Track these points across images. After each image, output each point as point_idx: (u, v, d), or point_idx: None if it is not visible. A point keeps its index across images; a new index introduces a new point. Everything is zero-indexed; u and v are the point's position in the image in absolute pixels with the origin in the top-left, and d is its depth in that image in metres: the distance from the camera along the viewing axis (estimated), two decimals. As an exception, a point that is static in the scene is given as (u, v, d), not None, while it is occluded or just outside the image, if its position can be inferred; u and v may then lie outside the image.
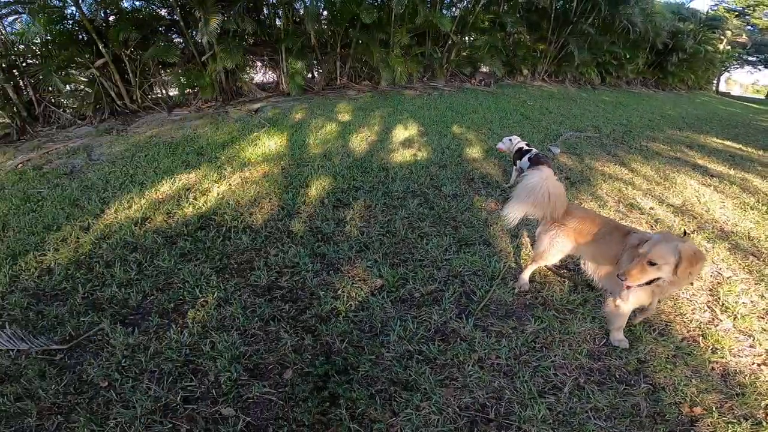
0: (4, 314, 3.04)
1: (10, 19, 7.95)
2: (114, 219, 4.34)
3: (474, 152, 6.55)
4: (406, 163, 5.92)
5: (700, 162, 7.15)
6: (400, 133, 7.41)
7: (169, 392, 2.39)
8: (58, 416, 2.26)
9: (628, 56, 15.94)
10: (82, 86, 8.65)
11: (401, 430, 2.17)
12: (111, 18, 8.48)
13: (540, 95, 12.42)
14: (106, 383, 2.45)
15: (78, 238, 4.00)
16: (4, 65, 7.71)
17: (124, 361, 2.59)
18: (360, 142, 6.90)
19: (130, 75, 8.74)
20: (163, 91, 9.99)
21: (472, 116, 8.99)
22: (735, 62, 29.65)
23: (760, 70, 34.00)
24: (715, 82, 26.38)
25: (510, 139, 5.13)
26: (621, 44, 15.23)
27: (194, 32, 8.37)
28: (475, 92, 11.91)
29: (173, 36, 9.63)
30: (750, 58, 31.81)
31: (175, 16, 8.93)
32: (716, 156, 7.67)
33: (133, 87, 8.90)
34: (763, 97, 32.99)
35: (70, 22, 8.17)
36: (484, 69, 14.55)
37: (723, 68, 26.09)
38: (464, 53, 13.62)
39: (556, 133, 8.14)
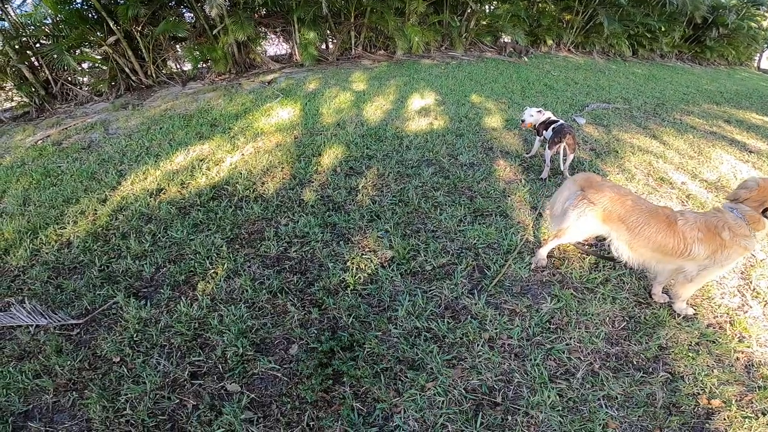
0: (25, 288, 3.11)
1: (19, 1, 7.98)
2: (130, 191, 4.37)
3: (493, 122, 6.29)
4: (421, 132, 5.73)
5: (738, 137, 6.64)
6: (416, 102, 7.18)
7: (177, 367, 2.41)
8: (73, 392, 2.31)
9: (663, 29, 14.94)
10: (96, 64, 8.74)
11: (405, 411, 2.12)
12: None
13: (565, 66, 11.82)
14: (119, 358, 2.49)
15: (96, 210, 4.05)
16: (17, 46, 7.78)
17: (136, 335, 2.63)
18: (374, 110, 6.72)
19: (143, 51, 8.74)
20: (177, 66, 10.00)
21: (492, 86, 8.64)
22: None
23: None
24: (757, 58, 24.78)
25: (539, 111, 4.82)
26: (656, 16, 14.27)
27: (204, 5, 8.18)
28: (496, 62, 11.42)
29: (183, 10, 9.55)
30: None
31: None
32: (756, 132, 7.12)
33: (146, 62, 8.92)
34: None
35: (79, 1, 8.17)
36: (505, 39, 13.90)
37: (766, 45, 24.45)
38: (484, 22, 13.01)
39: (581, 104, 7.74)
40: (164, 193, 4.27)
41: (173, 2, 9.24)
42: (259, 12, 10.10)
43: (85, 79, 8.95)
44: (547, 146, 4.38)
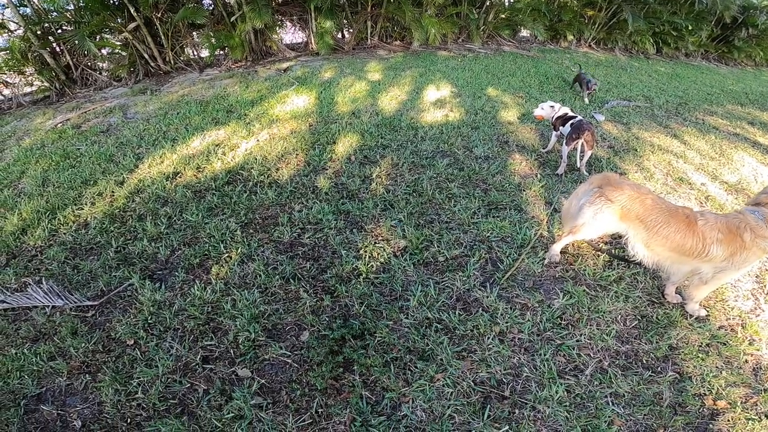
0: (42, 269, 3.17)
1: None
2: (147, 174, 4.41)
3: (509, 115, 6.21)
4: (436, 123, 5.69)
5: (762, 140, 6.44)
6: (432, 94, 7.11)
7: (189, 351, 2.45)
8: (87, 375, 2.35)
9: (690, 28, 14.56)
10: (116, 49, 8.84)
11: (413, 401, 2.13)
12: None
13: (585, 62, 11.55)
14: (132, 341, 2.53)
15: (113, 192, 4.11)
16: (39, 32, 7.86)
17: (150, 318, 2.67)
18: (389, 101, 6.67)
19: (162, 37, 8.78)
20: (194, 52, 10.05)
21: (509, 79, 8.50)
22: None
23: None
24: None
25: (552, 106, 4.75)
26: (683, 15, 13.92)
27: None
28: (514, 56, 11.23)
29: (202, -2, 9.56)
30: None
31: None
32: (780, 135, 6.96)
33: (165, 49, 8.97)
34: None
35: None
36: (524, 33, 13.68)
37: (797, 46, 23.80)
38: (503, 15, 12.76)
39: (601, 101, 7.60)
40: (180, 177, 4.32)
41: (192, -12, 9.24)
42: (277, 0, 10.08)
43: (105, 65, 9.05)
44: (564, 142, 4.31)
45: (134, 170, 4.51)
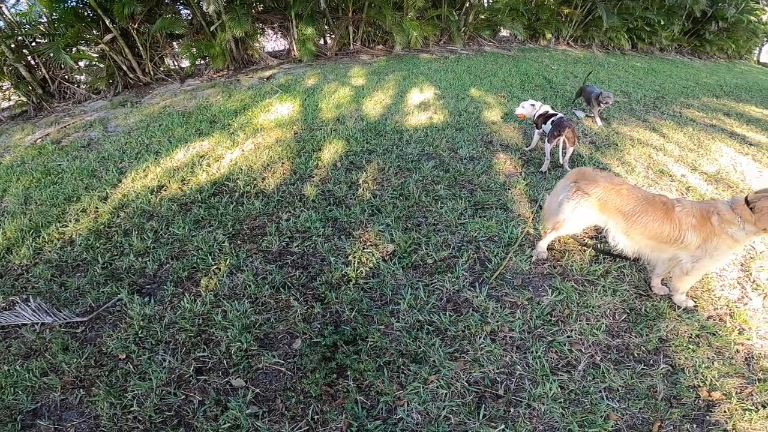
0: (29, 287, 3.13)
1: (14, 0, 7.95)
2: (131, 188, 4.37)
3: (493, 115, 6.28)
4: (421, 126, 5.73)
5: (738, 130, 6.63)
6: (416, 97, 7.16)
7: (182, 363, 2.43)
8: (81, 390, 2.33)
9: (662, 23, 14.92)
10: (94, 61, 8.73)
11: (408, 404, 2.14)
12: None
13: (564, 60, 11.78)
14: (124, 355, 2.52)
15: (97, 208, 4.06)
16: (12, 45, 7.74)
17: (140, 332, 2.65)
18: (374, 105, 6.70)
19: (140, 48, 8.71)
20: (175, 63, 9.96)
21: (491, 79, 8.61)
22: None
23: None
24: (756, 52, 24.79)
25: (533, 104, 4.83)
26: (655, 10, 14.26)
27: (201, 2, 8.16)
28: (495, 56, 11.38)
29: (179, 7, 9.51)
30: None
31: None
32: (755, 125, 7.11)
33: (144, 60, 8.88)
34: None
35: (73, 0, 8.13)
36: (504, 32, 13.86)
37: (766, 39, 24.49)
38: (483, 16, 12.94)
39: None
40: (165, 190, 4.28)
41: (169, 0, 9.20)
42: (257, 8, 10.07)
43: (83, 77, 8.93)
44: (546, 139, 4.38)
45: (118, 185, 4.46)
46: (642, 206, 2.52)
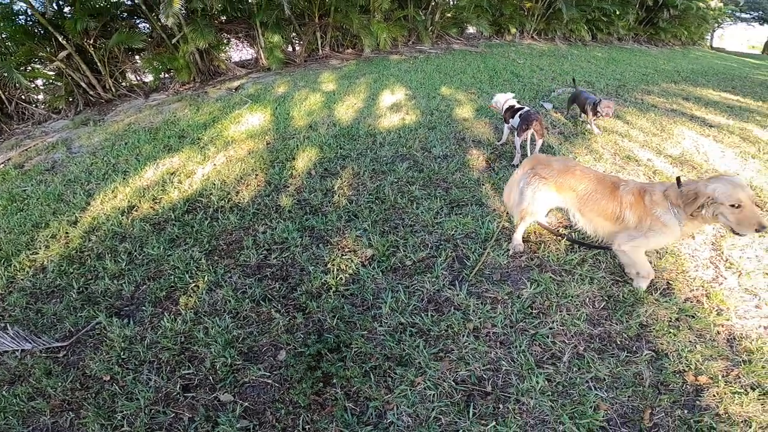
0: (6, 315, 3.07)
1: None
2: (100, 210, 4.27)
3: (464, 112, 6.37)
4: (394, 128, 5.76)
5: (698, 113, 6.91)
6: (387, 98, 7.20)
7: (168, 382, 2.41)
8: (69, 413, 2.31)
9: (617, 12, 15.47)
10: (51, 80, 8.51)
11: (397, 407, 2.15)
12: (66, 9, 8.19)
13: (530, 53, 12.04)
14: (109, 377, 2.49)
15: (67, 233, 3.96)
16: None
17: (123, 353, 2.61)
18: (346, 110, 6.71)
19: (98, 64, 8.52)
20: (137, 78, 9.78)
21: (460, 77, 8.74)
22: (728, 19, 28.50)
23: (754, 27, 32.40)
24: (708, 37, 25.84)
25: (498, 100, 4.95)
26: (610, 1, 14.74)
27: (159, 15, 8.02)
28: (463, 53, 11.54)
29: (137, 21, 9.33)
30: (744, 15, 30.48)
31: (135, 1, 8.60)
32: (714, 107, 7.41)
33: (103, 76, 8.70)
34: (759, 52, 31.89)
35: (22, 18, 7.93)
36: (471, 30, 14.08)
37: (716, 24, 25.52)
38: (449, 14, 13.17)
39: (547, 90, 7.92)
40: (136, 210, 4.20)
41: (125, 14, 9.01)
42: (219, 18, 9.94)
43: (41, 97, 8.71)
44: (516, 133, 4.45)
45: (86, 208, 4.35)
46: (593, 185, 2.62)
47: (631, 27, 17.21)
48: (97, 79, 8.67)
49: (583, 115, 5.76)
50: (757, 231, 2.16)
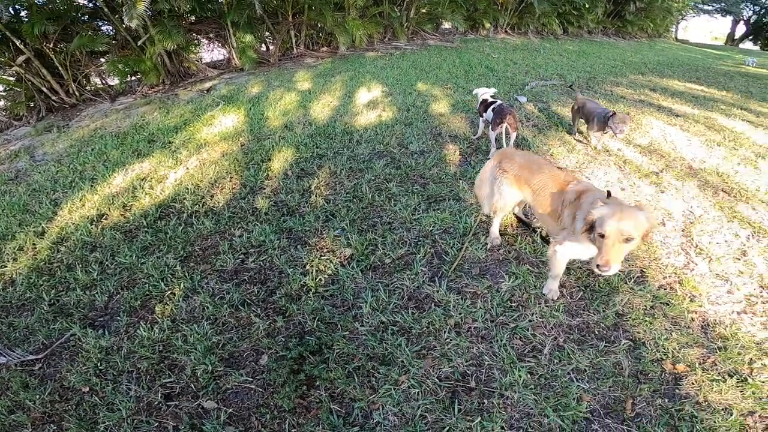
0: (-24, 330, 2.94)
1: None
2: (69, 220, 4.13)
3: (440, 107, 6.39)
4: (370, 125, 5.74)
5: (665, 104, 7.13)
6: (363, 96, 7.18)
7: (149, 391, 2.36)
8: (51, 425, 2.26)
9: (587, 6, 15.85)
10: (10, 85, 8.21)
11: (383, 407, 2.14)
12: (23, 13, 7.88)
13: (504, 48, 12.20)
14: (88, 388, 2.43)
15: (35, 244, 3.81)
16: None
17: (100, 364, 2.55)
18: (322, 108, 6.66)
19: (60, 68, 8.23)
20: (103, 81, 9.48)
21: (436, 72, 8.79)
22: (691, 11, 29.39)
23: (716, 18, 33.54)
24: (673, 29, 26.63)
25: (476, 92, 5.01)
26: None
27: (122, 17, 7.76)
28: (439, 49, 11.62)
29: (99, 23, 9.03)
30: (706, 7, 31.46)
31: (97, 3, 8.33)
32: (679, 97, 7.67)
33: (65, 80, 8.40)
34: (722, 43, 33.07)
35: None
36: (446, 25, 14.18)
37: (680, 17, 26.29)
38: (424, 10, 13.20)
39: (522, 83, 8.03)
40: (106, 219, 4.07)
41: (86, 16, 8.70)
42: (188, 19, 9.71)
43: (0, 104, 8.39)
44: (490, 127, 4.50)
45: (53, 218, 4.20)
46: (546, 181, 2.56)
47: (600, 20, 17.64)
48: (60, 84, 8.36)
49: (591, 129, 4.78)
50: (597, 267, 1.99)
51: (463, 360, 2.35)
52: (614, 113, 4.37)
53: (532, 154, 2.87)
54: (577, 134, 5.29)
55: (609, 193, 2.19)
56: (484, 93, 4.92)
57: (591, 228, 2.07)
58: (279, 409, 2.19)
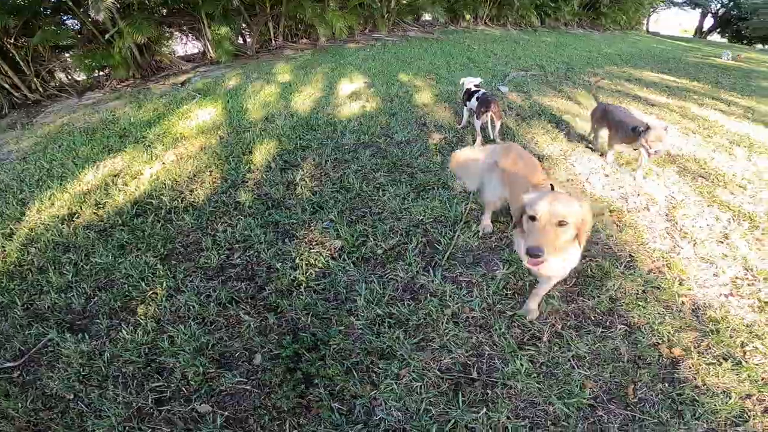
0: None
1: None
2: (38, 220, 3.90)
3: (423, 98, 6.36)
4: (354, 116, 5.65)
5: (640, 93, 7.29)
6: (346, 87, 7.08)
7: (138, 396, 2.23)
8: None
9: None
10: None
11: (385, 402, 2.08)
12: None
13: (484, 39, 12.28)
14: (72, 395, 2.29)
15: (3, 247, 3.58)
16: None
17: (82, 369, 2.40)
18: (304, 100, 6.52)
19: (22, 64, 7.89)
20: (68, 76, 9.10)
21: (418, 63, 8.78)
22: (662, 3, 30.03)
23: (686, 11, 34.34)
24: (645, 22, 27.27)
25: (471, 79, 4.98)
26: None
27: (88, 11, 7.42)
28: (420, 40, 11.62)
29: (63, 17, 8.68)
30: (677, 0, 32.25)
31: None
32: (654, 88, 7.85)
33: (28, 76, 8.05)
34: (691, 36, 33.97)
35: None
36: (426, 17, 14.17)
37: (652, 9, 26.91)
38: (405, 1, 13.18)
39: (503, 74, 8.08)
40: (78, 218, 3.86)
41: (48, 10, 8.32)
42: (160, 11, 9.38)
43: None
44: (475, 116, 4.47)
45: (22, 219, 3.96)
46: (518, 182, 2.42)
47: (576, 12, 17.99)
48: (22, 80, 7.99)
49: (613, 138, 4.06)
50: (527, 252, 1.77)
51: (463, 351, 2.30)
52: (648, 126, 3.50)
53: (521, 151, 2.78)
54: (599, 148, 4.52)
55: (552, 187, 2.10)
56: (471, 82, 4.89)
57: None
58: (278, 410, 2.10)
